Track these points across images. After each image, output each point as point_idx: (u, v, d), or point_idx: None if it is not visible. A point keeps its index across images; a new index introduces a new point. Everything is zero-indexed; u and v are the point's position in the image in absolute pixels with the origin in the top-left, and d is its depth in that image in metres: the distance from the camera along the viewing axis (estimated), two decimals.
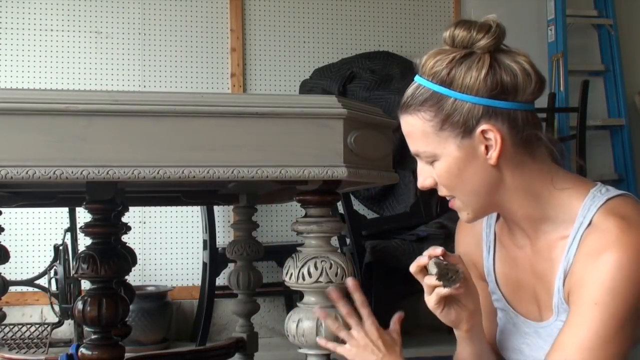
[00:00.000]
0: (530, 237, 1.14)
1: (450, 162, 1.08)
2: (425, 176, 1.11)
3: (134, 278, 3.41)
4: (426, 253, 1.11)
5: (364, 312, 1.21)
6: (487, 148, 1.06)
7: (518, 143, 1.07)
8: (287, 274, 1.36)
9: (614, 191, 1.08)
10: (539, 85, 1.08)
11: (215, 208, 3.52)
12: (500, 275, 1.21)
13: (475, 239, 1.26)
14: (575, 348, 1.00)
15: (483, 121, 1.05)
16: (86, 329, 1.48)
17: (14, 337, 3.18)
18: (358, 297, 1.22)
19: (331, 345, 1.23)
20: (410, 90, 1.10)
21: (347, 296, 1.24)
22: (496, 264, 1.22)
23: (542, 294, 1.13)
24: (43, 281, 3.08)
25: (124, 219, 2.26)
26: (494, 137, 1.05)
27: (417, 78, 1.10)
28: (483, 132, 1.05)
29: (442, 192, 1.12)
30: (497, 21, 1.07)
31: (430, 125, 1.07)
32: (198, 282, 3.66)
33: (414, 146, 1.11)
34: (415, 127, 1.09)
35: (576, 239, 1.06)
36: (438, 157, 1.08)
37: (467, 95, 1.05)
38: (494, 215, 1.23)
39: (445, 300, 1.12)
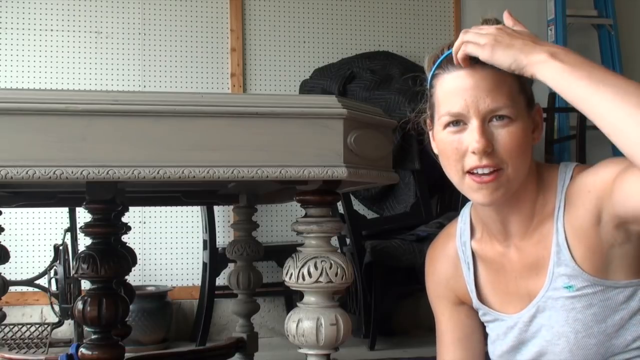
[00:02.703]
0: (513, 239, 1.15)
1: (523, 127, 1.06)
2: (488, 139, 1.04)
3: (134, 278, 3.42)
4: None
5: None
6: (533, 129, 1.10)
7: None
8: (287, 274, 1.36)
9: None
10: None
11: (215, 208, 3.52)
12: (486, 286, 1.21)
13: (451, 261, 1.25)
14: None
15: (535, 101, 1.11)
16: (86, 329, 1.48)
17: (14, 337, 3.18)
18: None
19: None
20: None
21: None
22: (479, 277, 1.22)
23: (536, 281, 1.13)
24: (43, 281, 3.08)
25: (124, 219, 2.26)
26: (541, 119, 1.11)
27: None
28: (538, 109, 1.10)
29: (492, 161, 1.04)
30: None
31: (517, 84, 1.06)
32: (198, 282, 3.66)
33: (497, 101, 1.04)
34: (505, 82, 1.05)
35: (562, 201, 1.09)
36: (516, 117, 1.05)
37: None
38: (467, 233, 1.23)
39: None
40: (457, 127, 1.06)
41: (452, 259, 1.25)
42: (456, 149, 1.07)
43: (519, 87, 1.07)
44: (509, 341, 1.19)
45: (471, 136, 1.04)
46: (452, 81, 1.07)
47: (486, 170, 1.05)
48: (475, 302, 1.22)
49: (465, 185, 1.08)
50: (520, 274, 1.15)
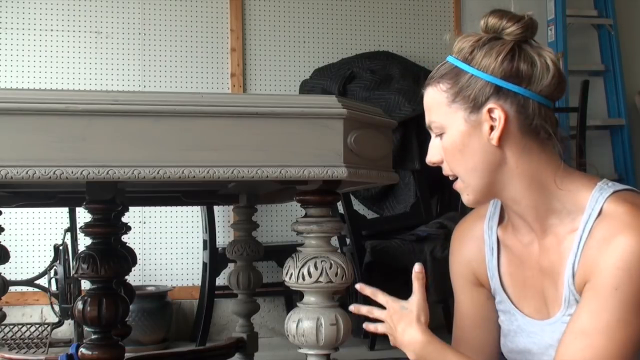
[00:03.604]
0: (536, 233, 1.14)
1: (455, 135, 1.11)
2: (434, 152, 1.15)
3: (134, 278, 3.42)
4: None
5: (380, 298, 1.25)
6: (491, 128, 1.09)
7: (526, 130, 1.09)
8: (287, 274, 1.36)
9: (620, 186, 1.11)
10: (556, 80, 1.09)
11: (215, 208, 3.52)
12: (506, 275, 1.21)
13: (476, 242, 1.25)
14: (598, 333, 1.02)
15: (492, 100, 1.08)
16: (86, 329, 1.48)
17: (14, 337, 3.18)
18: (369, 292, 1.26)
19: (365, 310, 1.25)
20: (437, 66, 1.16)
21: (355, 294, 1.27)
22: (501, 264, 1.22)
23: (550, 289, 1.13)
24: (43, 281, 3.08)
25: (124, 219, 2.26)
26: (499, 116, 1.08)
27: (448, 57, 1.15)
28: (490, 110, 1.08)
29: (446, 170, 1.15)
30: (532, 16, 1.11)
31: (444, 96, 1.12)
32: (198, 282, 3.66)
33: (428, 117, 1.16)
34: (432, 98, 1.14)
35: (587, 230, 1.07)
36: (445, 128, 1.12)
37: (482, 73, 1.09)
38: (496, 218, 1.23)
39: None
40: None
41: (477, 240, 1.25)
42: None
43: (452, 97, 1.11)
44: (519, 344, 1.18)
45: None
46: None
47: (450, 178, 1.16)
48: (496, 288, 1.22)
49: None
50: (538, 271, 1.15)
